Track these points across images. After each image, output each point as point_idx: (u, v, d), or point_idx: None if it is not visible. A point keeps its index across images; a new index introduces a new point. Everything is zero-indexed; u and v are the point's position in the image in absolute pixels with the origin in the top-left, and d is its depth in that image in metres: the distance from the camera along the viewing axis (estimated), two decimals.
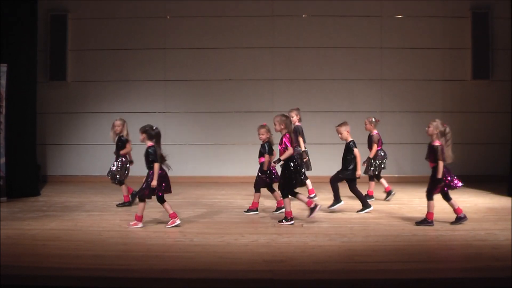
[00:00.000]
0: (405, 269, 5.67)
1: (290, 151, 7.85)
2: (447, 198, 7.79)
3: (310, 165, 10.00)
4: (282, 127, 7.97)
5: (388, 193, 10.06)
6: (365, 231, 7.42)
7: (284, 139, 7.90)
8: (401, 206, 9.50)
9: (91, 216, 8.54)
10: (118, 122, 9.51)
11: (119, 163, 9.49)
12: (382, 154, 9.99)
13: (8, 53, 10.36)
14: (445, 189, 7.73)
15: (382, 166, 10.00)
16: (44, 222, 8.06)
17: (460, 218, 7.78)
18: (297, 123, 9.90)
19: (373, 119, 10.06)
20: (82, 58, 13.46)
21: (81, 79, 13.46)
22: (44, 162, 13.11)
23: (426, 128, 7.73)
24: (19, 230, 7.43)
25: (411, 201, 10.03)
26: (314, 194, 10.03)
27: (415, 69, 13.41)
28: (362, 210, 8.79)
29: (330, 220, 8.21)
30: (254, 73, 13.42)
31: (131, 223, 7.71)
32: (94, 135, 13.35)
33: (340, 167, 8.89)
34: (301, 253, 6.26)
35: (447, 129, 7.62)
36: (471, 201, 10.05)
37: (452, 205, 7.80)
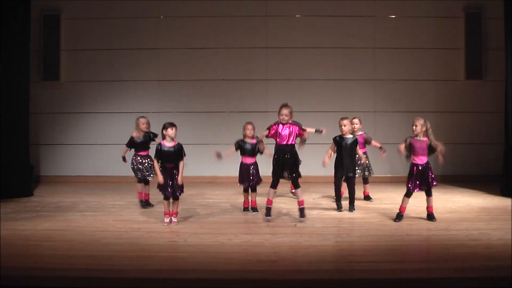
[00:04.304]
0: (398, 269, 5.68)
1: None
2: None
3: None
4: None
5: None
6: (358, 231, 7.44)
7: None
8: (395, 206, 9.47)
9: (85, 217, 8.51)
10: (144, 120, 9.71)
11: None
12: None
13: (1, 53, 10.31)
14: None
15: None
16: (37, 222, 8.03)
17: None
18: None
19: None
20: (75, 58, 13.41)
21: (74, 79, 13.40)
22: (37, 162, 13.04)
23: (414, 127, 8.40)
24: (12, 230, 7.41)
25: None
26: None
27: (408, 69, 13.42)
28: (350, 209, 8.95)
29: (323, 220, 8.22)
30: (247, 73, 13.41)
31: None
32: (87, 135, 13.32)
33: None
34: (294, 253, 6.26)
35: None
36: (465, 201, 10.08)
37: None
